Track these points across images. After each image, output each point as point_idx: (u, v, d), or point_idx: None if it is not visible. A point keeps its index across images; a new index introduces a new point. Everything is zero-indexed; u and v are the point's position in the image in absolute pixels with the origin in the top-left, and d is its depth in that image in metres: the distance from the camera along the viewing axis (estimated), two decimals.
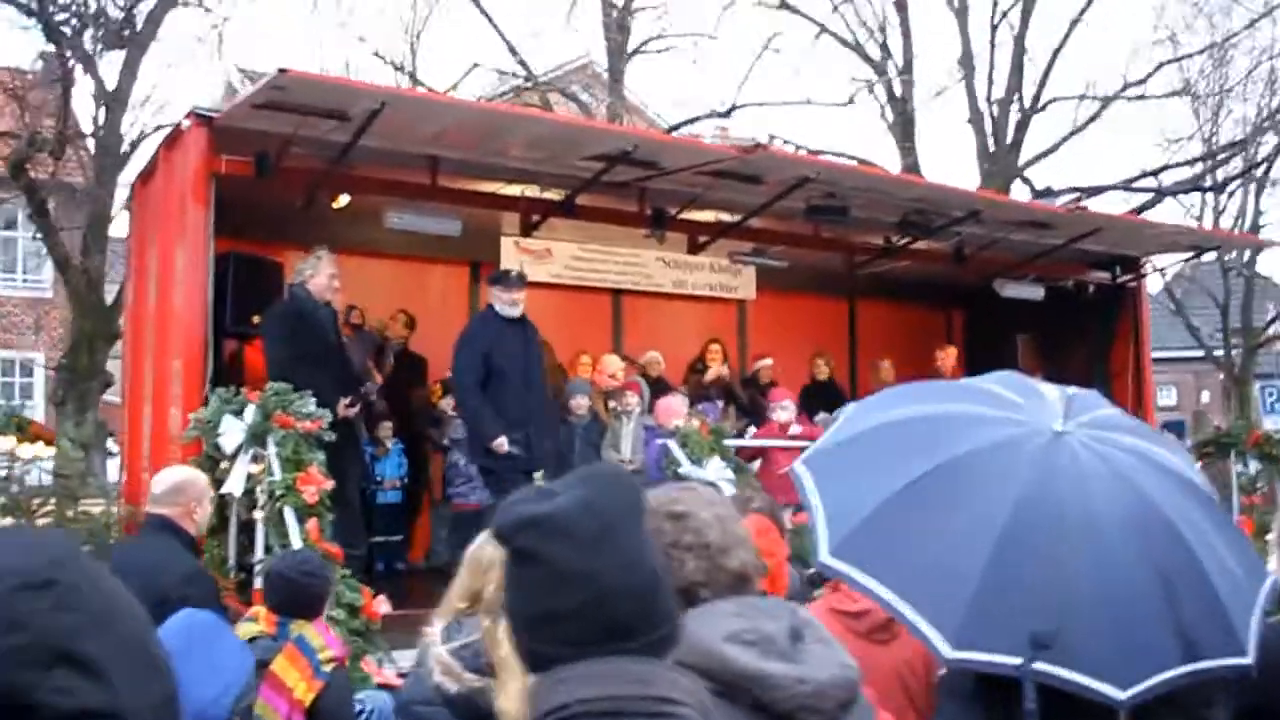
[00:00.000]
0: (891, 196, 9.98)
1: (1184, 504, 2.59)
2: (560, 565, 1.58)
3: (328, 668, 3.87)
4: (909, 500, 2.60)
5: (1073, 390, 2.89)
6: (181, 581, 4.22)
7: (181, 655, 3.14)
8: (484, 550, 3.24)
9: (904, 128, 18.56)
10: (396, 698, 3.34)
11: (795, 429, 9.62)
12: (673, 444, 8.23)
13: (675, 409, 8.93)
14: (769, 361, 11.70)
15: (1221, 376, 26.10)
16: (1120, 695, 2.34)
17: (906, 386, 3.21)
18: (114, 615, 1.45)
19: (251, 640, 3.70)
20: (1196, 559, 2.48)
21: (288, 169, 8.07)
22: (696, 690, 1.62)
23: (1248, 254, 24.09)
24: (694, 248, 10.85)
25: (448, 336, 10.51)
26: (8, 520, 8.33)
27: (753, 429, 10.49)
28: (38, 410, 24.52)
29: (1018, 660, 2.38)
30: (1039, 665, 2.36)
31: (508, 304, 8.32)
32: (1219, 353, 24.78)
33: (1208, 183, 21.06)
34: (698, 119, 18.05)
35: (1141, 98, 19.51)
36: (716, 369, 11.14)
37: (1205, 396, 31.40)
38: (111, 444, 15.69)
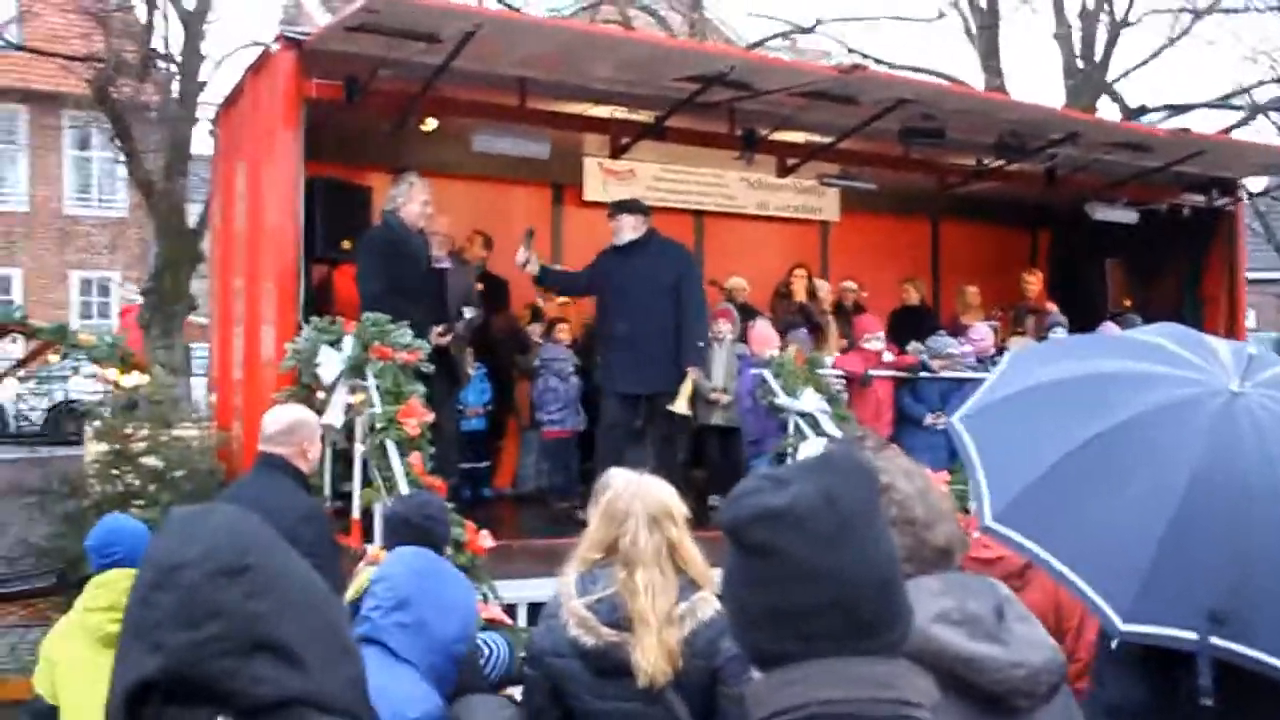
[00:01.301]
0: (988, 118, 9.69)
1: None
2: (799, 560, 1.49)
3: None
4: (1077, 465, 2.49)
5: (1250, 347, 2.73)
6: (297, 521, 4.20)
7: (418, 599, 3.15)
8: (618, 500, 3.19)
9: (988, 44, 18.05)
10: (528, 647, 3.30)
11: (887, 356, 9.46)
12: (767, 374, 8.12)
13: (769, 337, 8.81)
14: (852, 285, 11.54)
15: None
16: None
17: (1069, 340, 3.11)
18: (304, 598, 1.43)
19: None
20: None
21: (376, 92, 7.99)
22: (932, 691, 1.54)
23: None
24: (782, 170, 10.66)
25: None
26: (102, 446, 8.45)
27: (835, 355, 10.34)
28: (115, 328, 24.90)
29: (1193, 636, 2.29)
30: (1216, 640, 2.27)
31: (618, 230, 8.35)
32: None
33: None
34: (779, 35, 17.68)
35: (1245, 9, 18.81)
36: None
37: None
38: (197, 367, 15.92)
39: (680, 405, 7.98)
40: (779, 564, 1.50)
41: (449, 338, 7.65)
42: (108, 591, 4.24)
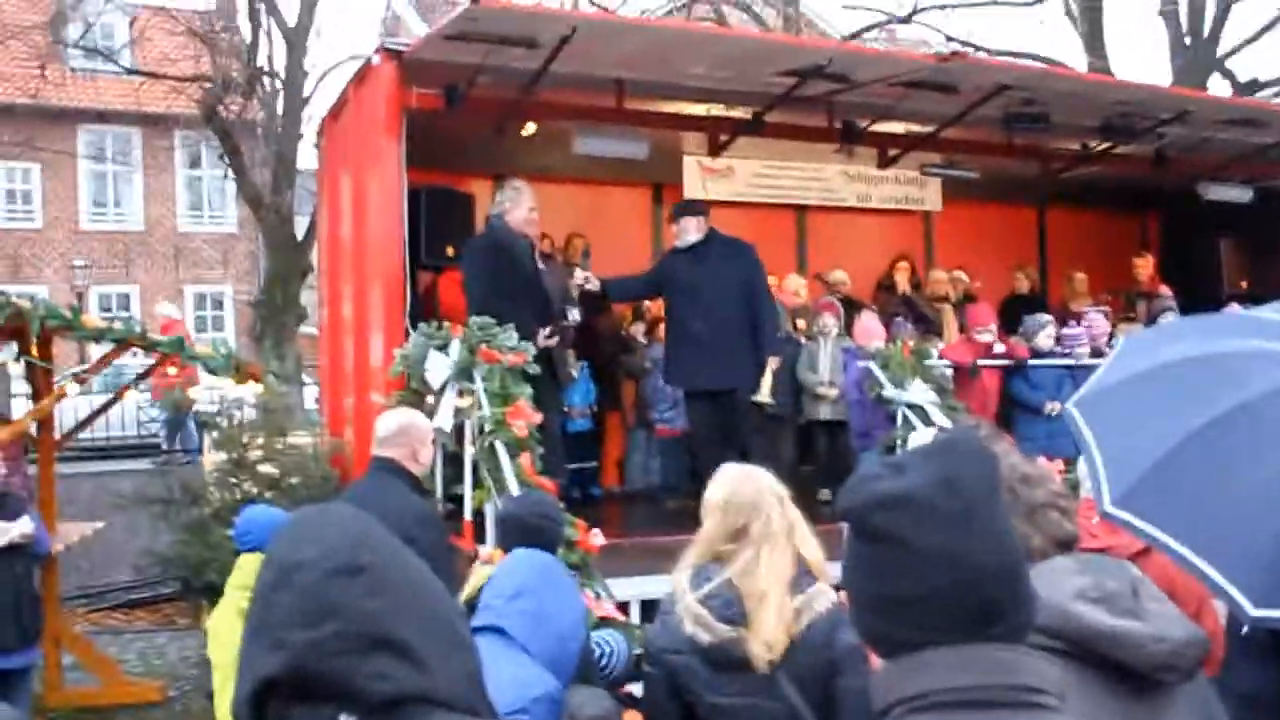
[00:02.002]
0: (1093, 100, 9.48)
1: None
2: (922, 546, 1.47)
3: None
4: (1200, 447, 2.42)
5: None
6: (413, 523, 4.25)
7: (537, 588, 3.22)
8: (743, 488, 3.21)
9: (1092, 24, 17.64)
10: (646, 645, 3.32)
11: (998, 348, 9.30)
12: (874, 366, 8.04)
13: (874, 329, 8.72)
14: (944, 274, 11.37)
15: None
16: None
17: (1185, 321, 3.02)
18: (419, 595, 1.44)
19: (488, 582, 3.70)
20: None
21: (475, 99, 8.06)
22: (1059, 678, 1.51)
23: None
24: (883, 161, 10.54)
25: (630, 261, 10.53)
26: (221, 456, 8.66)
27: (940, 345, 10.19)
28: (230, 341, 25.55)
29: None
30: None
31: (681, 232, 8.39)
32: None
33: None
34: (875, 26, 17.50)
35: None
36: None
37: None
38: (307, 375, 16.27)
39: (764, 395, 8.03)
40: (899, 550, 1.48)
41: (555, 339, 7.70)
42: (241, 573, 5.20)
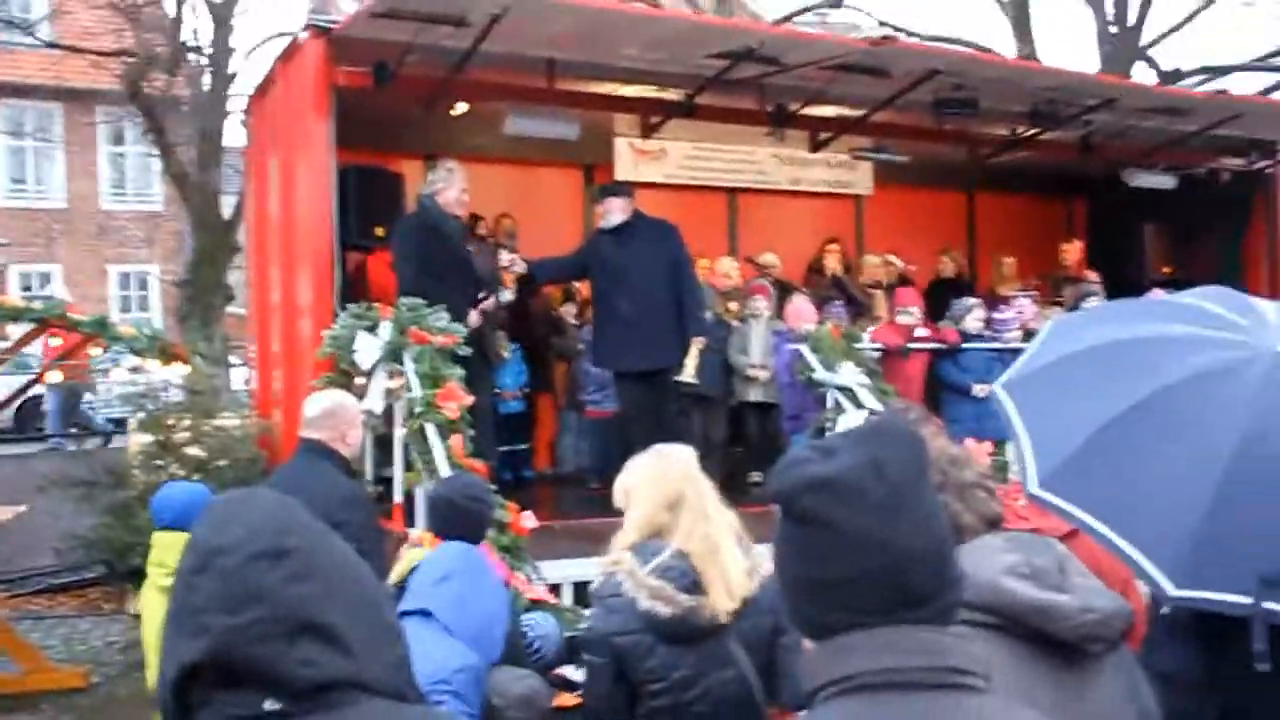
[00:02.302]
0: (1021, 86, 9.59)
1: None
2: (850, 530, 1.48)
3: None
4: (1123, 430, 2.47)
5: None
6: (340, 505, 4.21)
7: (462, 573, 3.22)
8: (670, 468, 3.22)
9: (1019, 11, 17.85)
10: (585, 635, 3.30)
11: (921, 331, 9.40)
12: (805, 349, 8.09)
13: (806, 312, 8.78)
14: (878, 259, 11.45)
15: None
16: None
17: (1110, 305, 3.08)
18: (346, 579, 1.43)
19: (416, 566, 3.68)
20: None
21: (405, 78, 7.98)
22: (984, 658, 1.53)
23: None
24: (814, 145, 10.59)
25: (560, 242, 10.50)
26: (148, 438, 8.53)
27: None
28: (156, 322, 25.15)
29: (1246, 600, 2.27)
30: (1270, 605, 2.25)
31: (603, 214, 8.46)
32: None
33: None
34: (807, 10, 17.55)
35: None
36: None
37: None
38: (234, 357, 16.06)
39: (689, 375, 8.07)
40: (828, 534, 1.49)
41: (482, 320, 7.67)
42: (157, 550, 5.21)
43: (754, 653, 3.13)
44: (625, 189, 8.66)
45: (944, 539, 1.54)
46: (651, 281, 8.16)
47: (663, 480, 3.20)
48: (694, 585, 3.08)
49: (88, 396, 15.40)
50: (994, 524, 2.27)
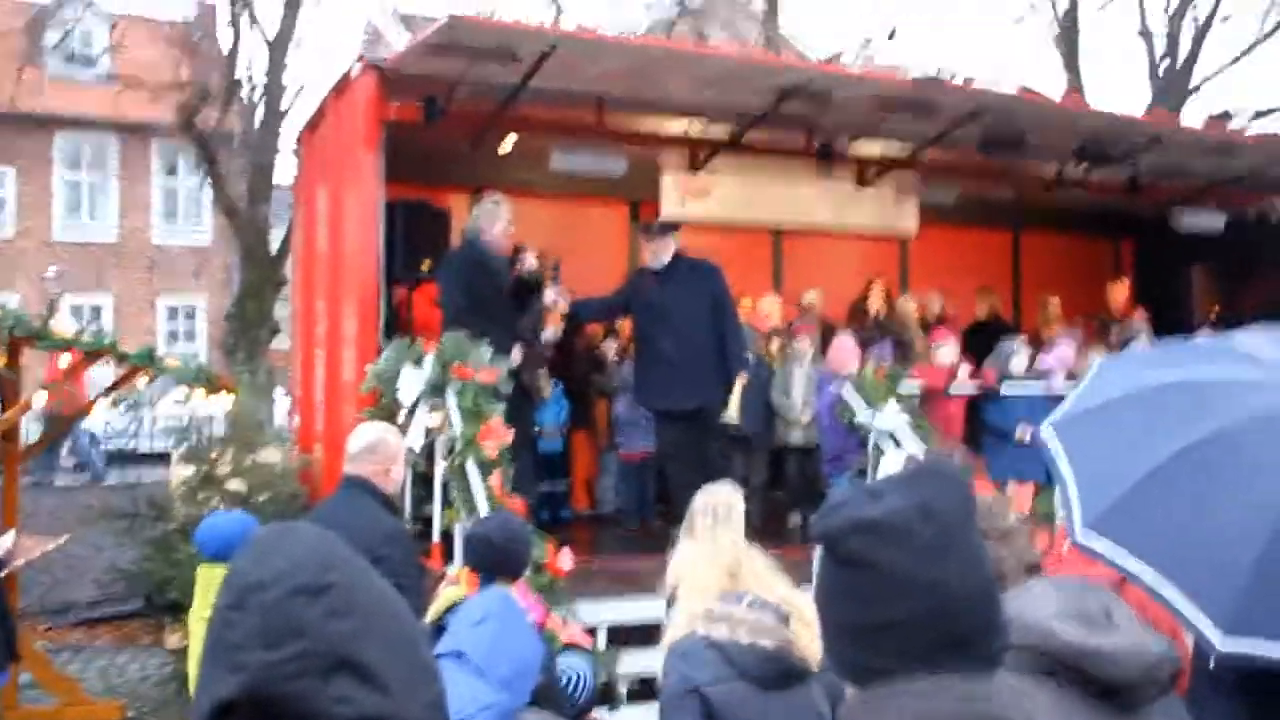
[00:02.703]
0: (1068, 126, 9.54)
1: None
2: (896, 573, 1.45)
3: None
4: (1173, 475, 2.41)
5: None
6: (382, 541, 4.18)
7: (499, 614, 3.15)
8: (720, 556, 3.19)
9: (1069, 47, 17.79)
10: (667, 691, 3.16)
11: (962, 370, 9.28)
12: (847, 390, 8.02)
13: (849, 353, 8.69)
14: (921, 299, 11.36)
15: None
16: None
17: (1159, 346, 3.01)
18: (384, 617, 1.39)
19: (454, 605, 3.65)
20: None
21: (454, 113, 8.05)
22: (1032, 709, 1.48)
23: None
24: (861, 182, 10.54)
25: (605, 278, 10.49)
26: (190, 470, 8.55)
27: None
28: (202, 353, 25.41)
29: None
30: None
31: (649, 254, 8.47)
32: None
33: None
34: (855, 48, 17.58)
35: None
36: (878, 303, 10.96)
37: None
38: (278, 390, 16.15)
39: (732, 415, 8.06)
40: (874, 577, 1.46)
41: (520, 358, 7.66)
42: (202, 582, 5.26)
43: (836, 707, 3.05)
44: (674, 228, 8.66)
45: (991, 583, 1.51)
46: (693, 321, 8.16)
47: (715, 556, 3.16)
48: (786, 621, 3.03)
49: (84, 425, 14.71)
50: (1033, 569, 2.22)
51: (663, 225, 8.76)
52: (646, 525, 9.49)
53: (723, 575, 3.14)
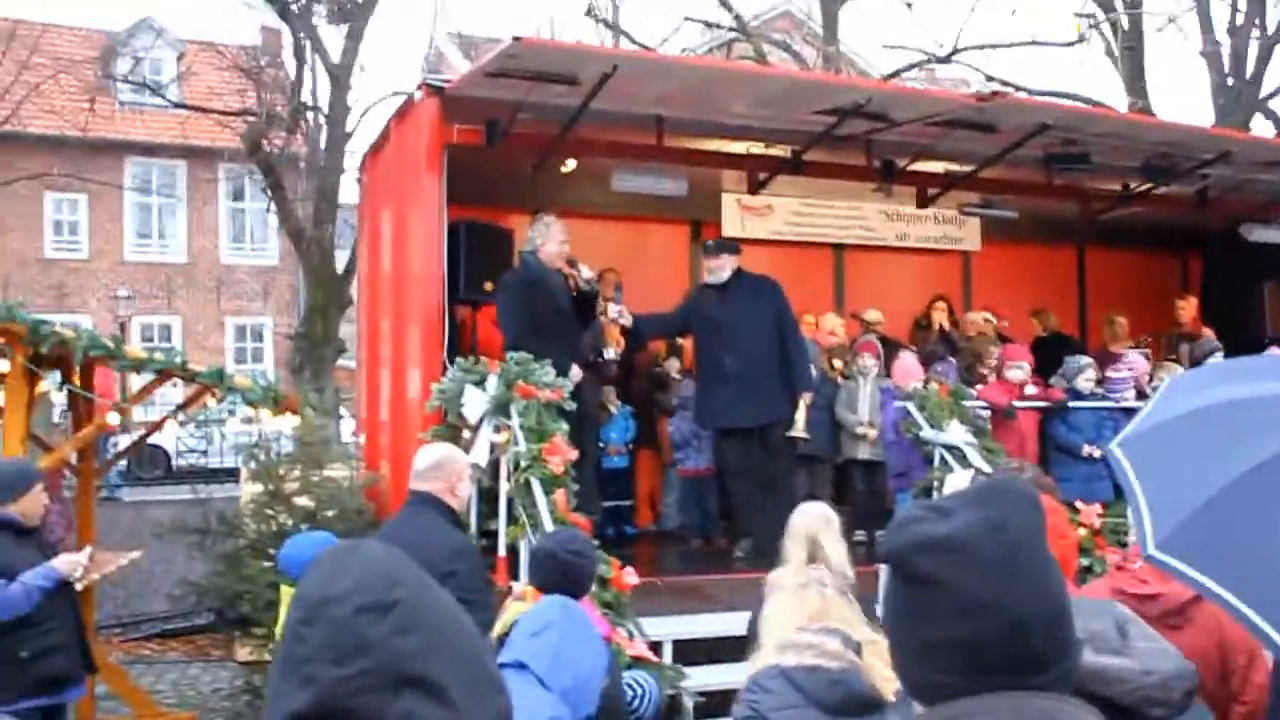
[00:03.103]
0: (1135, 141, 9.44)
1: None
2: (963, 591, 1.45)
3: None
4: (1246, 492, 2.38)
5: None
6: (450, 557, 4.25)
7: (561, 625, 3.14)
8: (809, 597, 3.15)
9: (1133, 66, 17.57)
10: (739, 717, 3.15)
11: (1030, 389, 9.21)
12: (912, 406, 7.99)
13: (913, 370, 8.66)
14: (982, 316, 11.25)
15: None
16: None
17: (1231, 362, 2.99)
18: (451, 633, 1.42)
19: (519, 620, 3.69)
20: None
21: (515, 135, 8.12)
22: None
23: None
24: (922, 201, 10.52)
25: (666, 297, 10.53)
26: (259, 487, 8.69)
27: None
28: (269, 372, 25.77)
29: None
30: None
31: (708, 271, 8.53)
32: None
33: None
34: (915, 66, 17.51)
35: None
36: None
37: None
38: (344, 409, 16.33)
39: (799, 430, 8.05)
40: (942, 595, 1.46)
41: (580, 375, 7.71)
42: (284, 600, 5.22)
43: None
44: (734, 246, 8.69)
45: (1061, 603, 1.50)
46: (755, 338, 8.18)
47: (808, 598, 3.14)
48: (858, 650, 3.00)
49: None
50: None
51: (720, 243, 8.81)
52: (710, 541, 9.51)
53: (810, 618, 3.12)
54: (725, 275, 8.35)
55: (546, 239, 7.87)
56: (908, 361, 8.93)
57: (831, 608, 3.09)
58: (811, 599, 3.11)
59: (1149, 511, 2.45)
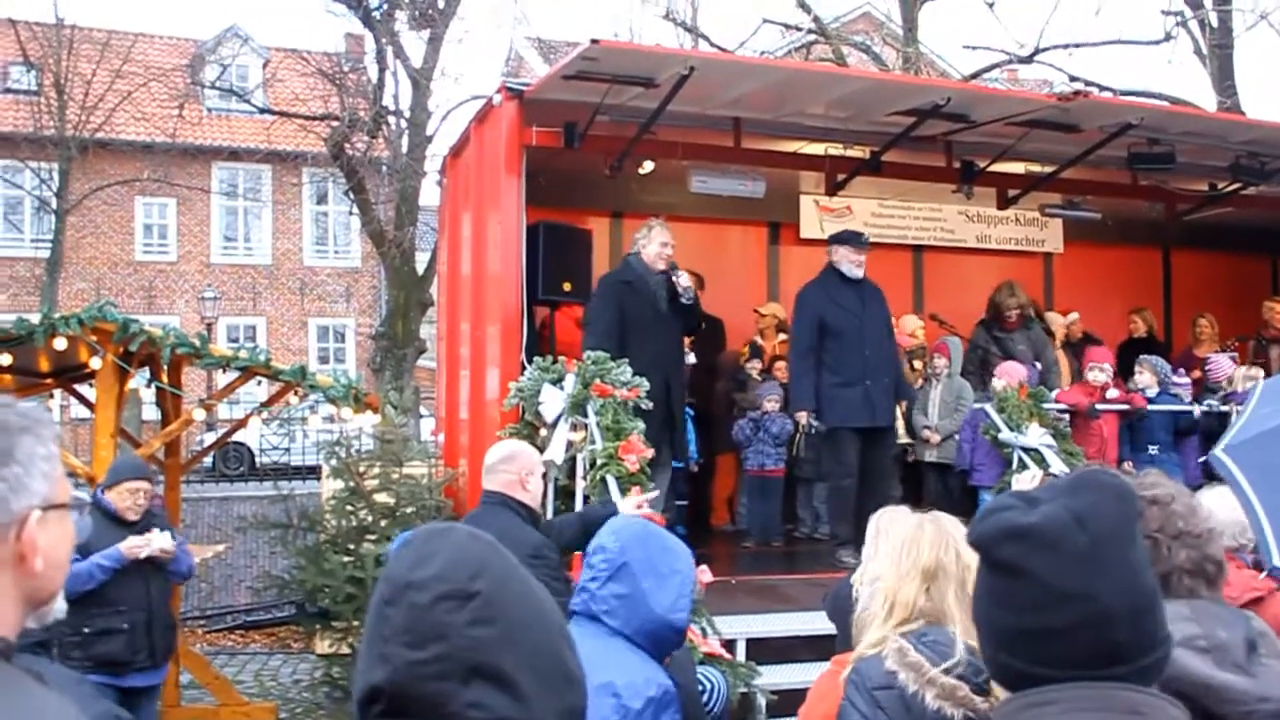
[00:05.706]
0: (1222, 140, 9.26)
1: None
2: (1047, 581, 1.46)
3: None
4: None
5: None
6: (527, 556, 4.28)
7: (635, 565, 2.96)
8: (924, 555, 2.77)
9: (1222, 65, 17.20)
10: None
11: (1112, 392, 9.08)
12: (990, 408, 7.92)
13: (1015, 372, 8.58)
14: (1075, 316, 11.10)
15: None
16: None
17: None
18: (529, 626, 1.44)
19: None
20: None
21: (593, 137, 8.17)
22: None
23: None
24: (1002, 202, 10.38)
25: (745, 297, 10.51)
26: (339, 483, 8.84)
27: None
28: (351, 373, 26.13)
29: None
30: None
31: (855, 265, 8.32)
32: None
33: None
34: (996, 66, 17.31)
35: None
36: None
37: None
38: (424, 408, 16.54)
39: (904, 435, 8.01)
40: (1027, 583, 1.47)
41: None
42: None
43: None
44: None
45: (1150, 596, 1.50)
46: (882, 338, 8.23)
47: (922, 580, 2.68)
48: (986, 684, 2.48)
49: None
50: (1220, 574, 2.10)
51: (862, 238, 8.58)
52: (777, 543, 9.45)
53: (911, 582, 2.75)
54: (863, 272, 8.29)
55: (649, 240, 7.90)
56: (1010, 364, 8.84)
57: (943, 569, 2.81)
58: (930, 543, 2.86)
59: (1269, 522, 2.41)
